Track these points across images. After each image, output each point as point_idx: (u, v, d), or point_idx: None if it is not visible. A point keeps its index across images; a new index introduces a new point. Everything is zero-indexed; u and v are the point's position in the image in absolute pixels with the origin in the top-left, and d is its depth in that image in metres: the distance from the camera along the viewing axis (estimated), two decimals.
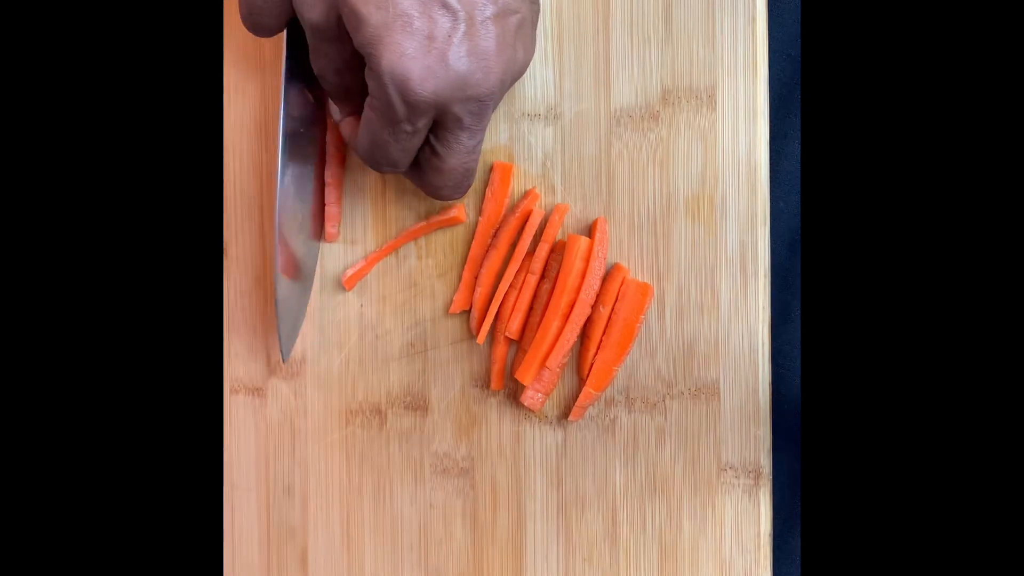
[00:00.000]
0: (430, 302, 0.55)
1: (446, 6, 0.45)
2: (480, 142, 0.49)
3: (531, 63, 0.51)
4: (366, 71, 0.47)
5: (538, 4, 0.50)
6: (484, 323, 0.53)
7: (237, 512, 0.59)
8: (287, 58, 0.52)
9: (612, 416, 0.53)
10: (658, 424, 0.52)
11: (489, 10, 0.46)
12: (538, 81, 0.53)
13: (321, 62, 0.50)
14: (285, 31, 0.52)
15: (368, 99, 0.48)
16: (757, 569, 0.51)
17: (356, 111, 0.52)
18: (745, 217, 0.51)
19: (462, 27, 0.45)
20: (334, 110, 0.53)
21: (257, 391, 0.58)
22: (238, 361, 0.58)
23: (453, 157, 0.49)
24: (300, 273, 0.56)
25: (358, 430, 0.57)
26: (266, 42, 0.58)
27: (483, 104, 0.47)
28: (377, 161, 0.50)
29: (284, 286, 0.54)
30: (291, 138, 0.53)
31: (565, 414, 0.53)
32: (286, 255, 0.53)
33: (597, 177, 0.52)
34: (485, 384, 0.55)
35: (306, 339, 0.57)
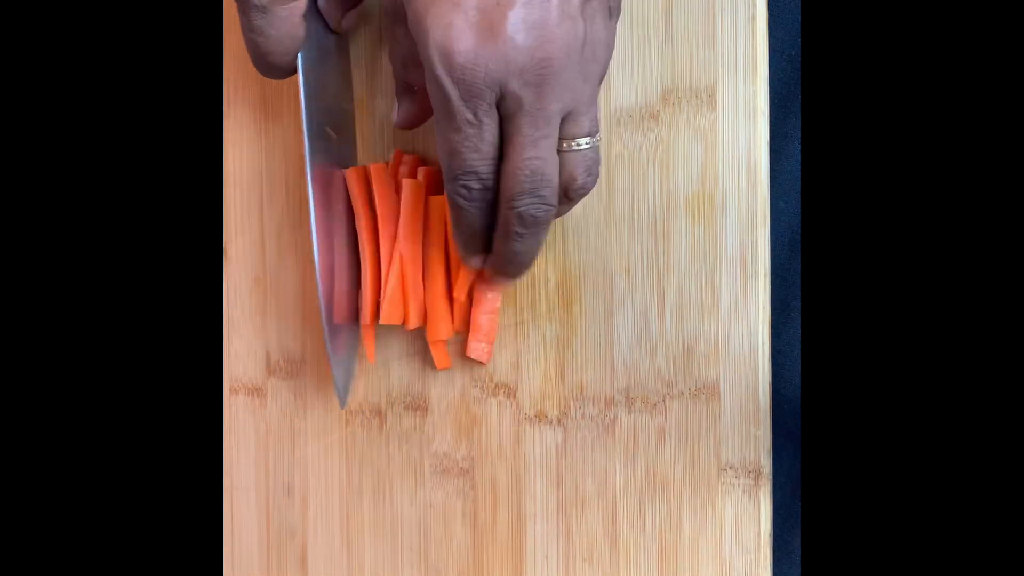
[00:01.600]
0: None
1: None
2: (549, 142, 0.44)
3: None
4: (422, 59, 0.43)
5: None
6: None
7: (237, 512, 0.58)
8: (305, 105, 0.50)
9: (612, 416, 0.53)
10: (658, 424, 0.52)
11: None
12: None
13: (391, 47, 0.48)
14: (301, 78, 0.50)
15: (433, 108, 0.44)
16: (757, 569, 0.51)
17: (414, 108, 0.50)
18: (745, 217, 0.51)
19: None
20: (395, 111, 0.51)
21: (257, 391, 0.58)
22: (238, 361, 0.58)
23: (515, 153, 0.43)
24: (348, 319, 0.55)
25: (358, 430, 0.57)
26: None
27: (542, 77, 0.42)
28: (457, 177, 0.44)
29: (334, 332, 0.52)
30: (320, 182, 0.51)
31: (565, 414, 0.53)
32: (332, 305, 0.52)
33: None
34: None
35: (306, 339, 0.57)
